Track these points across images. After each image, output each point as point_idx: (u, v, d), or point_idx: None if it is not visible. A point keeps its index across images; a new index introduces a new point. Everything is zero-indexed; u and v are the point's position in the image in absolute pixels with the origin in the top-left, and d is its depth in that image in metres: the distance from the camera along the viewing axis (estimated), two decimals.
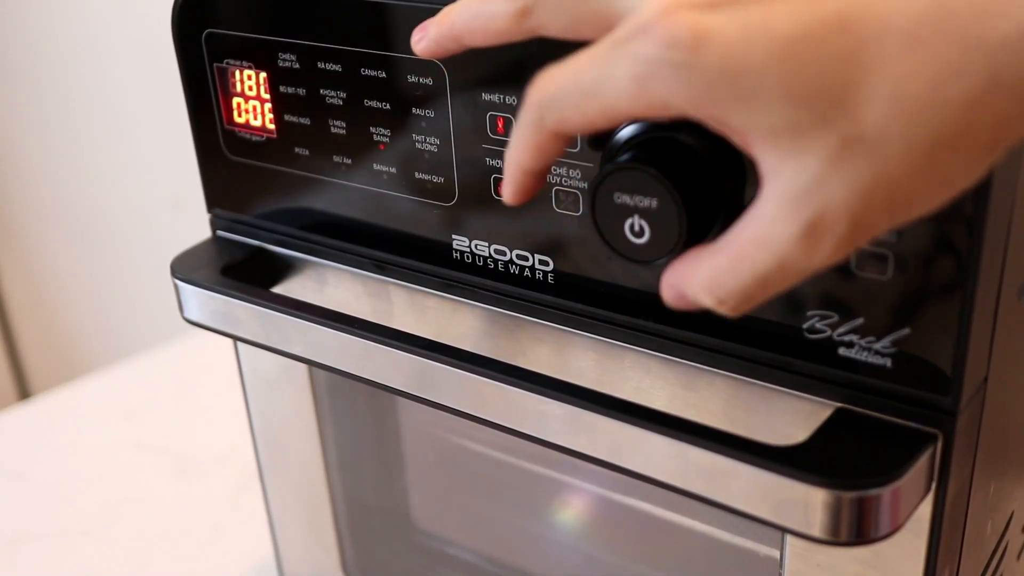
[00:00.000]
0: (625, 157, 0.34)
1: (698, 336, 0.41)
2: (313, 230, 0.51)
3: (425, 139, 0.45)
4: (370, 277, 0.51)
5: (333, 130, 0.48)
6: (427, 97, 0.44)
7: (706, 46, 0.27)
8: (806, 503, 0.35)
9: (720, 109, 0.28)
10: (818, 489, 0.35)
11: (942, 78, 0.26)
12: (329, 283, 0.52)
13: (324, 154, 0.49)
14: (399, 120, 0.45)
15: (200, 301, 0.52)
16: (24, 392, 1.84)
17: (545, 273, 0.44)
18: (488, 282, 0.46)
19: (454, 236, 0.46)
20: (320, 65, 0.47)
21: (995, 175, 0.33)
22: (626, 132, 0.35)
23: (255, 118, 0.50)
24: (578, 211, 0.42)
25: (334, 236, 0.51)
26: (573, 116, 0.30)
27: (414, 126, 0.45)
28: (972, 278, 0.34)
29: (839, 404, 0.39)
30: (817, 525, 0.36)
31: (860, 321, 0.37)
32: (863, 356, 0.37)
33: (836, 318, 0.37)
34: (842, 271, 0.36)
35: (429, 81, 0.44)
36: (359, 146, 0.47)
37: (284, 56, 0.48)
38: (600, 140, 0.36)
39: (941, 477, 0.38)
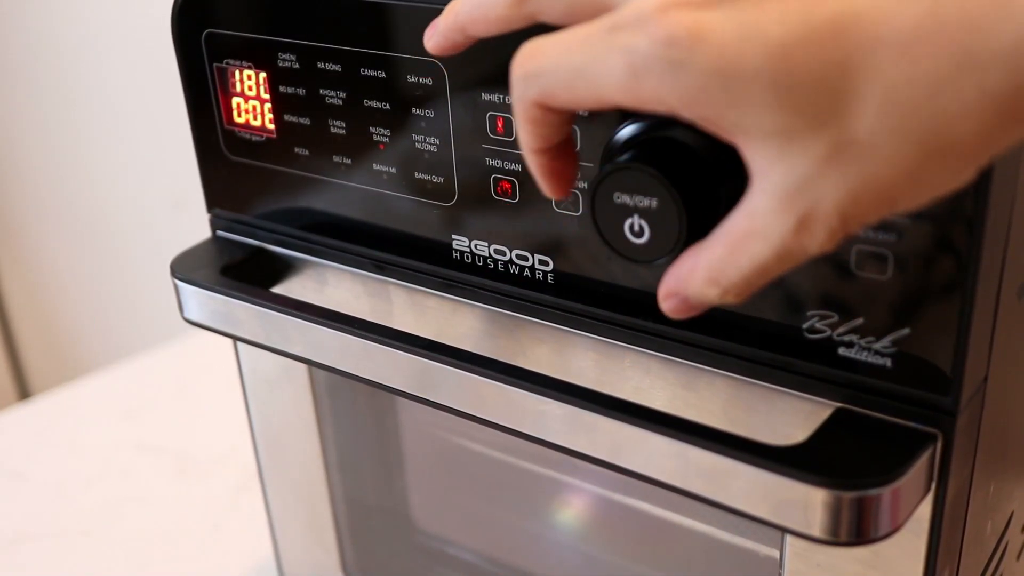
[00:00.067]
0: (625, 157, 0.34)
1: (698, 336, 0.41)
2: (313, 230, 0.51)
3: (425, 139, 0.45)
4: (370, 277, 0.51)
5: (333, 130, 0.48)
6: (427, 97, 0.44)
7: (701, 46, 0.27)
8: (806, 503, 0.35)
9: (712, 110, 0.28)
10: (818, 489, 0.35)
11: (933, 88, 0.26)
12: (329, 283, 0.52)
13: (324, 154, 0.49)
14: (399, 120, 0.45)
15: (200, 301, 0.52)
16: (24, 392, 1.84)
17: (545, 273, 0.44)
18: (488, 282, 0.46)
19: (454, 236, 0.46)
20: (320, 65, 0.47)
21: (995, 175, 0.33)
22: (626, 132, 0.35)
23: (255, 118, 0.50)
24: (578, 211, 0.42)
25: (334, 236, 0.51)
26: (560, 92, 0.31)
27: (414, 126, 0.45)
28: (972, 278, 0.34)
29: (839, 404, 0.39)
30: (817, 525, 0.36)
31: (860, 321, 0.37)
32: (863, 356, 0.37)
33: (836, 318, 0.37)
34: (842, 271, 0.36)
35: (429, 81, 0.44)
36: (359, 146, 0.47)
37: (284, 56, 0.48)
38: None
39: (941, 477, 0.38)
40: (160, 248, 0.96)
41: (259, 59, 0.49)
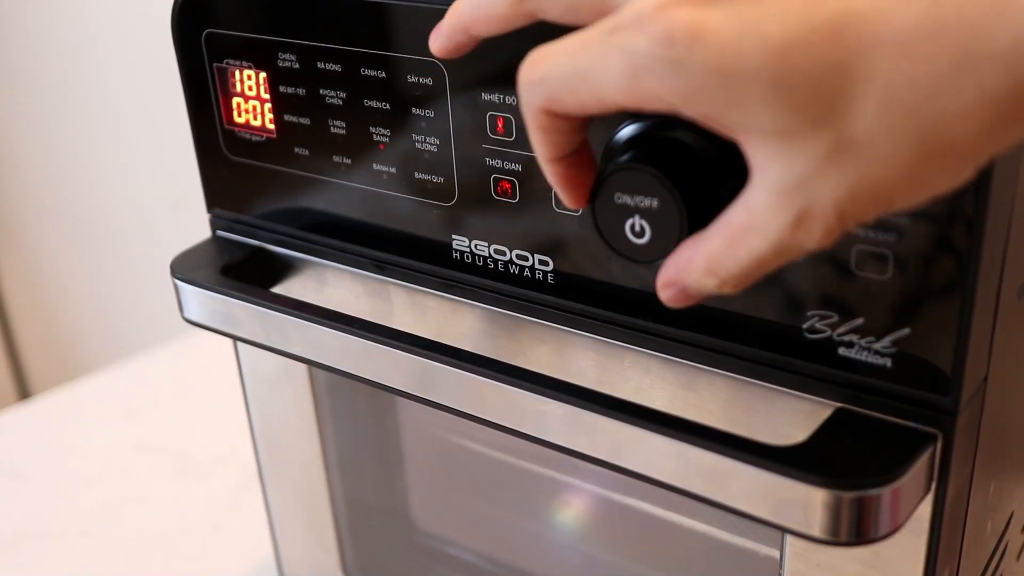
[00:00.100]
0: (626, 157, 0.34)
1: (698, 336, 0.41)
2: (313, 230, 0.51)
3: (425, 139, 0.45)
4: (370, 277, 0.51)
5: (333, 130, 0.48)
6: (427, 97, 0.44)
7: (701, 44, 0.27)
8: (806, 503, 0.35)
9: (712, 108, 0.28)
10: (818, 489, 0.35)
11: (932, 89, 0.26)
12: (329, 283, 0.52)
13: (324, 154, 0.49)
14: (399, 120, 0.45)
15: (200, 301, 0.52)
16: (24, 392, 1.84)
17: (545, 273, 0.44)
18: (488, 282, 0.46)
19: (454, 236, 0.46)
20: (320, 65, 0.47)
21: (995, 175, 0.33)
22: (626, 132, 0.35)
23: (255, 118, 0.50)
24: (578, 211, 0.42)
25: (334, 236, 0.51)
26: (564, 97, 0.31)
27: (414, 126, 0.45)
28: (972, 278, 0.34)
29: (839, 404, 0.39)
30: (817, 525, 0.36)
31: (860, 321, 0.37)
32: (863, 356, 0.37)
33: (836, 318, 0.37)
34: (842, 271, 0.36)
35: (429, 81, 0.44)
36: (359, 146, 0.47)
37: (284, 56, 0.48)
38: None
39: (941, 477, 0.38)
40: (160, 248, 0.96)
41: (259, 59, 0.49)
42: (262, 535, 0.70)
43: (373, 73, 0.45)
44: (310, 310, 0.48)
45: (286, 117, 0.49)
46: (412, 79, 0.44)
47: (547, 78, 0.31)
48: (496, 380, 0.42)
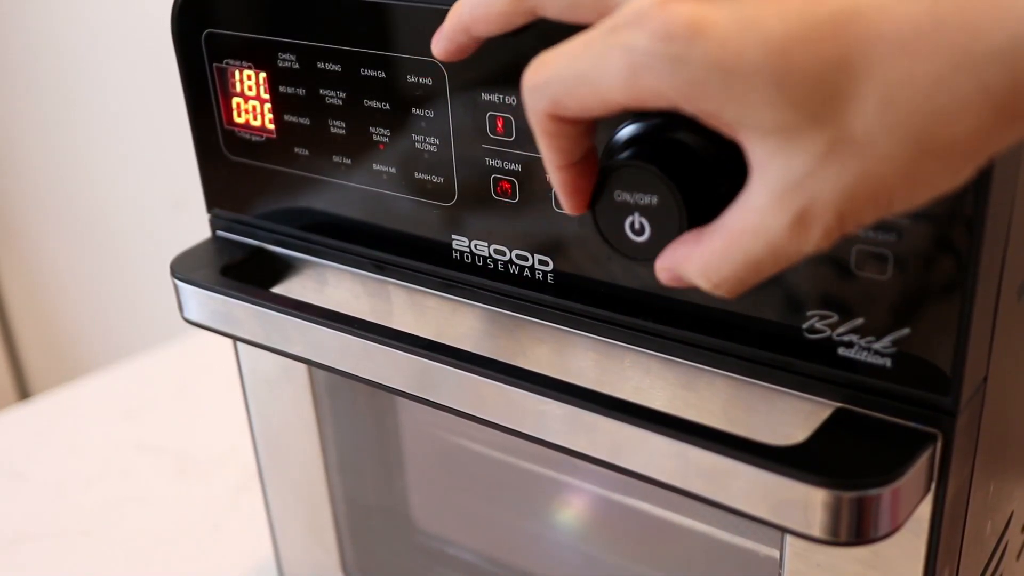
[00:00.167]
0: (625, 155, 0.34)
1: (698, 336, 0.41)
2: (313, 230, 0.51)
3: (425, 139, 0.45)
4: (370, 277, 0.51)
5: (333, 130, 0.48)
6: (427, 97, 0.44)
7: (701, 39, 0.27)
8: (806, 503, 0.35)
9: (712, 104, 0.28)
10: (818, 489, 0.35)
11: (931, 87, 0.26)
12: (329, 283, 0.52)
13: (324, 154, 0.49)
14: (399, 120, 0.45)
15: (200, 301, 0.52)
16: (24, 392, 1.84)
17: (545, 273, 0.44)
18: (488, 282, 0.46)
19: (454, 236, 0.46)
20: (320, 65, 0.47)
21: (995, 175, 0.33)
22: (626, 131, 0.35)
23: (255, 118, 0.50)
24: None
25: (334, 236, 0.51)
26: (567, 101, 0.31)
27: (414, 126, 0.45)
28: (972, 278, 0.34)
29: (839, 404, 0.39)
30: (817, 525, 0.36)
31: (860, 321, 0.37)
32: (863, 356, 0.37)
33: (836, 318, 0.37)
34: (842, 271, 0.36)
35: (429, 81, 0.44)
36: (359, 146, 0.47)
37: (284, 56, 0.48)
38: None
39: (941, 477, 0.38)
40: (160, 248, 0.96)
41: (259, 59, 0.49)
42: (262, 535, 0.70)
43: (373, 73, 0.45)
44: (310, 310, 0.48)
45: (286, 117, 0.49)
46: (412, 79, 0.44)
47: (550, 82, 0.31)
48: (496, 380, 0.42)
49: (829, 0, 0.27)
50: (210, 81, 0.51)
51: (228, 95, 0.51)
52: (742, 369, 0.41)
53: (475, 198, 0.45)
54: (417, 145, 0.45)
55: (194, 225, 0.67)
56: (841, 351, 0.38)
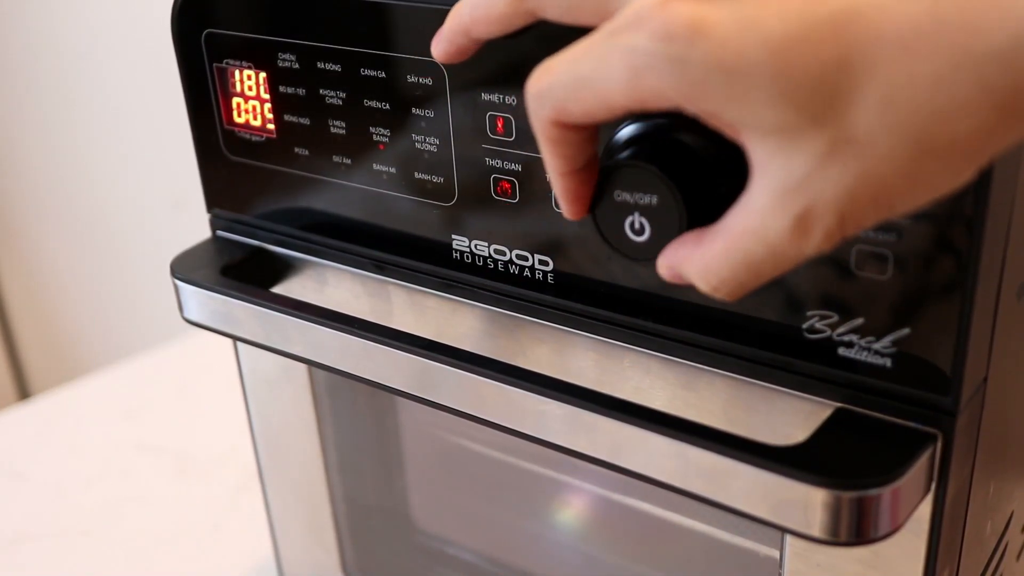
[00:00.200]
0: (625, 155, 0.34)
1: (698, 336, 0.41)
2: (313, 230, 0.51)
3: (425, 139, 0.45)
4: (370, 277, 0.51)
5: (333, 130, 0.48)
6: (427, 97, 0.44)
7: (702, 39, 0.27)
8: (806, 503, 0.35)
9: (712, 104, 0.28)
10: (818, 489, 0.35)
11: (932, 87, 0.26)
12: (329, 283, 0.52)
13: (324, 154, 0.49)
14: (399, 120, 0.45)
15: (200, 301, 0.52)
16: (24, 392, 1.84)
17: (545, 273, 0.44)
18: (488, 282, 0.46)
19: (454, 236, 0.46)
20: (320, 65, 0.47)
21: (995, 175, 0.33)
22: (626, 131, 0.35)
23: (255, 118, 0.50)
24: None
25: (334, 236, 0.51)
26: (571, 106, 0.31)
27: (414, 126, 0.45)
28: (972, 278, 0.34)
29: (839, 404, 0.39)
30: (817, 525, 0.36)
31: (860, 321, 0.37)
32: (863, 356, 0.37)
33: (836, 318, 0.37)
34: (842, 271, 0.36)
35: (429, 81, 0.44)
36: (359, 146, 0.47)
37: (284, 56, 0.48)
38: None
39: (941, 477, 0.38)
40: (160, 248, 0.96)
41: (259, 59, 0.49)
42: (262, 535, 0.70)
43: (373, 73, 0.45)
44: (310, 310, 0.48)
45: (286, 117, 0.49)
46: (412, 79, 0.44)
47: (553, 87, 0.31)
48: (496, 380, 0.42)
49: (829, 0, 0.27)
50: (210, 81, 0.51)
51: (228, 95, 0.51)
52: (742, 369, 0.41)
53: (475, 198, 0.45)
54: (417, 145, 0.45)
55: (194, 225, 0.67)
56: (841, 351, 0.38)
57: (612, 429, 0.39)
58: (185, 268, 0.52)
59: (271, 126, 0.50)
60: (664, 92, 0.28)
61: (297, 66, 0.47)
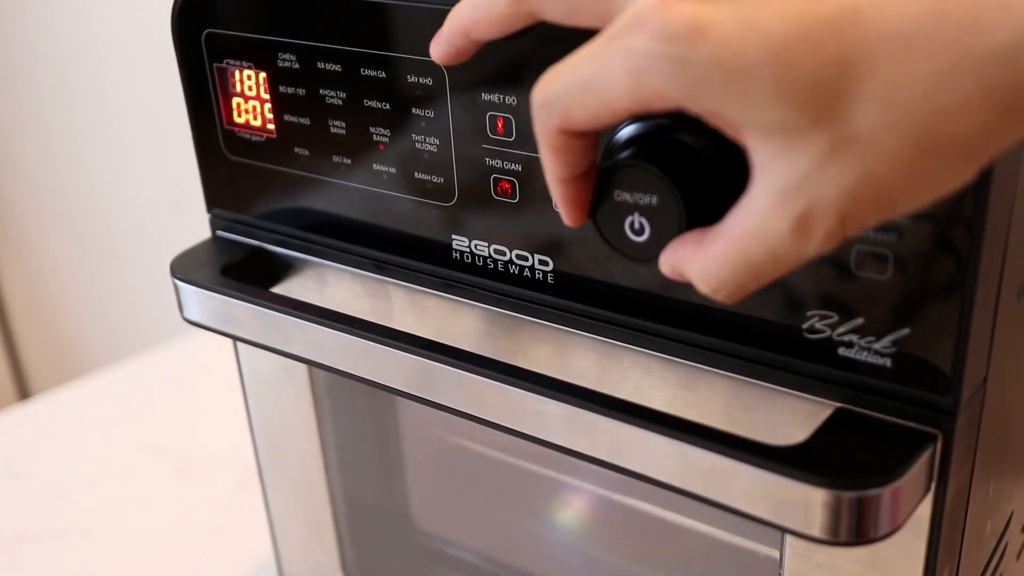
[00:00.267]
0: (625, 155, 0.34)
1: (698, 336, 0.41)
2: (313, 230, 0.51)
3: (425, 139, 0.45)
4: (370, 277, 0.51)
5: (333, 130, 0.48)
6: (427, 97, 0.44)
7: (702, 39, 0.27)
8: (806, 503, 0.35)
9: (714, 104, 0.28)
10: (818, 489, 0.35)
11: (933, 86, 0.26)
12: (329, 283, 0.52)
13: (324, 154, 0.49)
14: (399, 120, 0.45)
15: (200, 301, 0.52)
16: (24, 392, 1.84)
17: (545, 273, 0.44)
18: (488, 282, 0.46)
19: (454, 236, 0.46)
20: (320, 65, 0.47)
21: (995, 175, 0.33)
22: (626, 131, 0.35)
23: (255, 118, 0.50)
24: None
25: (334, 236, 0.51)
26: (576, 112, 0.30)
27: (414, 126, 0.45)
28: (972, 278, 0.34)
29: (839, 404, 0.39)
30: (817, 525, 0.36)
31: (860, 321, 0.37)
32: (863, 356, 0.37)
33: (836, 318, 0.37)
34: (842, 271, 0.36)
35: (429, 81, 0.44)
36: (359, 146, 0.47)
37: (284, 56, 0.48)
38: None
39: (941, 477, 0.38)
40: (160, 248, 0.96)
41: (259, 59, 0.49)
42: (262, 535, 0.70)
43: (373, 73, 0.45)
44: (310, 310, 0.48)
45: (286, 117, 0.49)
46: (412, 79, 0.44)
47: (559, 95, 0.31)
48: (496, 380, 0.42)
49: (829, 0, 0.27)
50: (210, 81, 0.51)
51: (228, 95, 0.51)
52: (742, 369, 0.41)
53: (475, 198, 0.45)
54: (417, 145, 0.45)
55: (194, 225, 0.67)
56: (841, 351, 0.38)
57: (612, 429, 0.39)
58: (185, 268, 0.52)
59: (271, 126, 0.50)
60: (665, 92, 0.28)
61: (297, 66, 0.47)
